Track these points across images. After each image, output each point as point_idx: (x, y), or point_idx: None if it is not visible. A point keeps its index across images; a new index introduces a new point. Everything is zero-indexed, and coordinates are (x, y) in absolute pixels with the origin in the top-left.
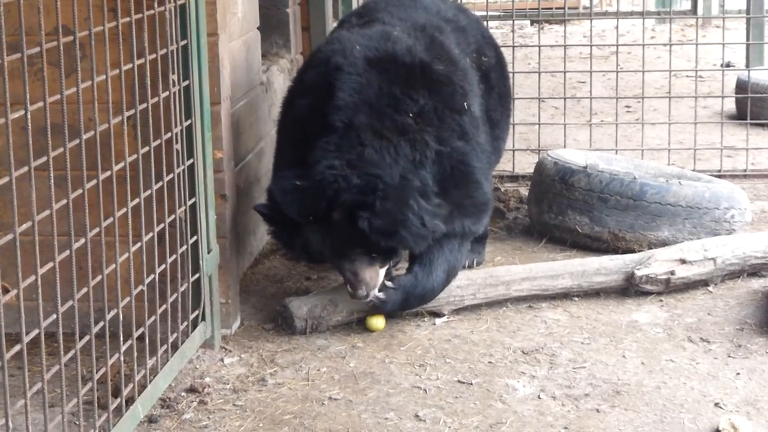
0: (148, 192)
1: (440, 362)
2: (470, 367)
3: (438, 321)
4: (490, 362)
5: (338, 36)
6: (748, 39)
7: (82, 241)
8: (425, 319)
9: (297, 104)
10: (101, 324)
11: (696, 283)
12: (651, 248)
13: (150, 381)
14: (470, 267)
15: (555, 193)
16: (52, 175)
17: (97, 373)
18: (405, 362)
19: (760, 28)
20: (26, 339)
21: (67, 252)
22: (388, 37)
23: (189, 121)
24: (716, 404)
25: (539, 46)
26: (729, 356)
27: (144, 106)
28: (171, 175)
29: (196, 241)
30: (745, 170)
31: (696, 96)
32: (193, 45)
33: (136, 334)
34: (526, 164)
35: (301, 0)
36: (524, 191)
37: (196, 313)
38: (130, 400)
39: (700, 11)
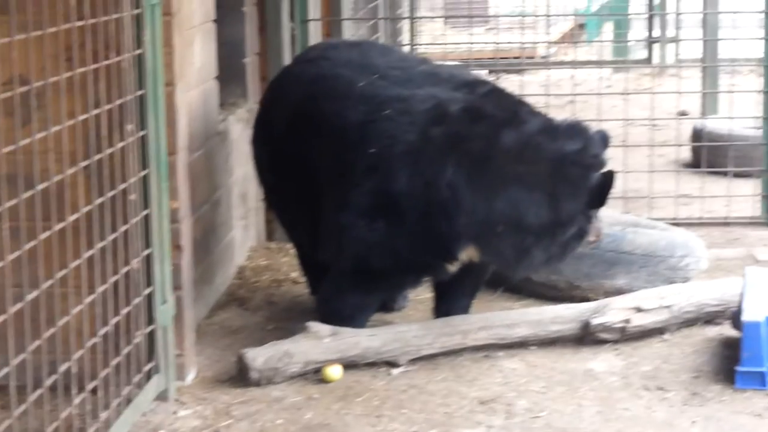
0: (103, 243)
1: (397, 413)
2: (427, 417)
3: (394, 371)
4: (446, 412)
5: (414, 94)
6: (703, 88)
7: (36, 293)
8: (381, 369)
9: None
10: (54, 377)
11: (652, 331)
12: (607, 296)
13: None
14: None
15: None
16: (6, 226)
17: (49, 426)
18: (361, 413)
19: (714, 76)
20: None
21: (21, 304)
22: (449, 76)
23: (145, 171)
24: None
25: None
26: (685, 404)
27: (100, 156)
28: (126, 226)
29: (151, 292)
30: (700, 218)
31: (652, 144)
32: (149, 95)
33: (89, 387)
34: None
35: (259, 50)
36: None
37: (151, 365)
38: None
39: (655, 60)
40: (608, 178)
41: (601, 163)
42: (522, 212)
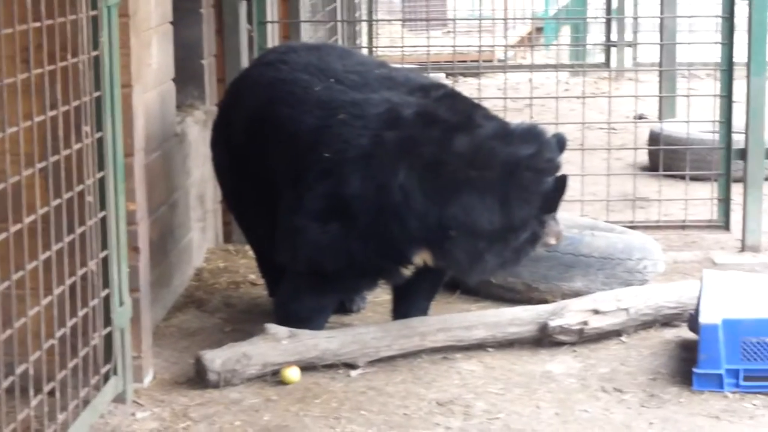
0: (60, 244)
1: (355, 414)
2: (385, 419)
3: (353, 373)
4: (405, 414)
5: (366, 99)
6: (660, 91)
7: None
8: (340, 371)
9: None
10: (11, 379)
11: (609, 333)
12: (564, 299)
13: None
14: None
15: None
16: None
17: (7, 428)
18: (320, 415)
19: (672, 80)
20: None
21: None
22: (405, 80)
23: (102, 173)
24: None
25: None
26: (643, 406)
27: (57, 157)
28: (83, 228)
29: (108, 294)
30: (657, 221)
31: (609, 148)
32: (106, 96)
33: (46, 389)
34: None
35: (216, 52)
36: None
37: (108, 367)
38: None
39: (613, 64)
40: (561, 183)
41: (555, 167)
42: (474, 217)
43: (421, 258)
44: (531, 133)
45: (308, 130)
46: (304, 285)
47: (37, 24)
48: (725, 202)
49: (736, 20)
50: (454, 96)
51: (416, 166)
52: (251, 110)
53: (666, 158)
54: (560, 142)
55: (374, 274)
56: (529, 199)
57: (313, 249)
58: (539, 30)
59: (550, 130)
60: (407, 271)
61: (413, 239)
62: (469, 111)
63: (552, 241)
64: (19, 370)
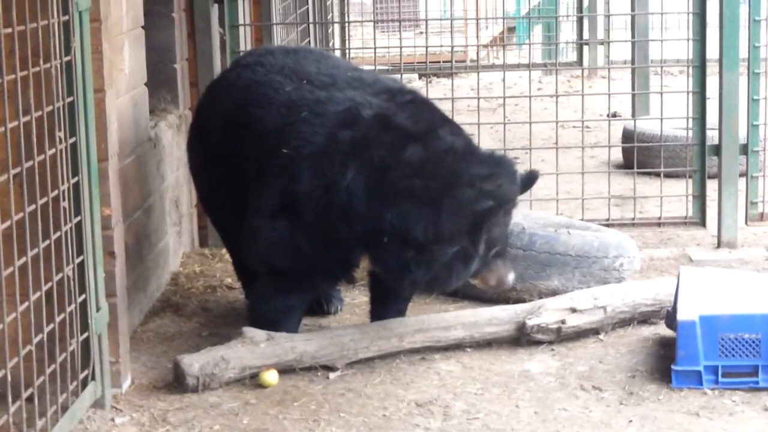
0: (36, 250)
1: (334, 416)
2: (364, 420)
3: (332, 375)
4: (384, 415)
5: (329, 96)
6: (633, 89)
7: None
8: (319, 373)
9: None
10: None
11: (587, 331)
12: (541, 298)
13: None
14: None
15: None
16: None
17: None
18: (299, 418)
19: (645, 78)
20: None
21: None
22: (372, 81)
23: (76, 179)
24: None
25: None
26: (621, 404)
27: (30, 163)
28: (58, 233)
29: (85, 300)
30: (633, 219)
31: (583, 146)
32: (79, 101)
33: (24, 395)
34: None
35: (189, 56)
36: None
37: (86, 372)
38: None
39: (585, 62)
40: (490, 209)
41: (505, 197)
42: (408, 226)
43: (364, 261)
44: (495, 160)
45: (273, 129)
46: (269, 287)
47: (9, 30)
48: (700, 198)
49: (707, 16)
50: (421, 104)
51: (365, 169)
52: (226, 112)
53: (640, 155)
54: (530, 178)
55: (327, 274)
56: (460, 214)
57: (264, 246)
58: (511, 30)
59: (524, 130)
60: (357, 274)
61: (356, 241)
62: (434, 123)
63: (491, 282)
64: None
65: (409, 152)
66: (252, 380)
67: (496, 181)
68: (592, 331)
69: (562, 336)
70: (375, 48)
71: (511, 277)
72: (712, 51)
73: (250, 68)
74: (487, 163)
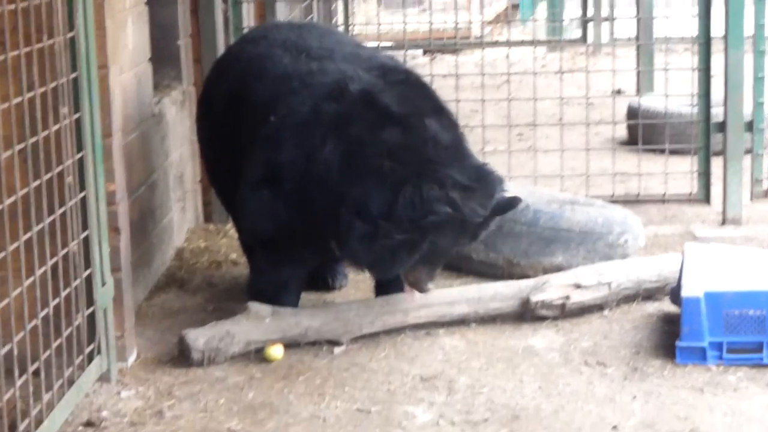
0: (41, 226)
1: (339, 391)
2: (369, 395)
3: (336, 350)
4: (388, 390)
5: (321, 67)
6: (638, 66)
7: None
8: (323, 348)
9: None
10: None
11: (591, 307)
12: (545, 274)
13: (46, 416)
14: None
15: None
16: None
17: None
18: (304, 392)
19: (649, 54)
20: None
21: None
22: (368, 57)
23: (81, 154)
24: (614, 427)
25: (431, 76)
26: (625, 379)
27: (35, 139)
28: (63, 209)
29: (90, 275)
30: (637, 195)
31: (588, 123)
32: (83, 77)
33: (31, 369)
34: None
35: (192, 32)
36: None
37: (92, 346)
38: None
39: (590, 39)
40: (442, 219)
41: (465, 213)
42: (366, 203)
43: None
44: (480, 172)
45: (266, 100)
46: (262, 261)
47: (12, 6)
48: (705, 175)
49: None
50: (414, 86)
51: (342, 143)
52: (228, 84)
53: (644, 132)
54: (509, 204)
55: (310, 246)
56: (417, 207)
57: (249, 216)
58: (515, 6)
59: (529, 106)
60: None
61: (331, 213)
62: (421, 108)
63: (409, 279)
64: (3, 350)
65: (387, 133)
66: (257, 355)
67: (468, 195)
68: (596, 307)
69: (566, 312)
70: (378, 24)
71: (429, 286)
72: (718, 28)
73: (254, 42)
74: (468, 172)
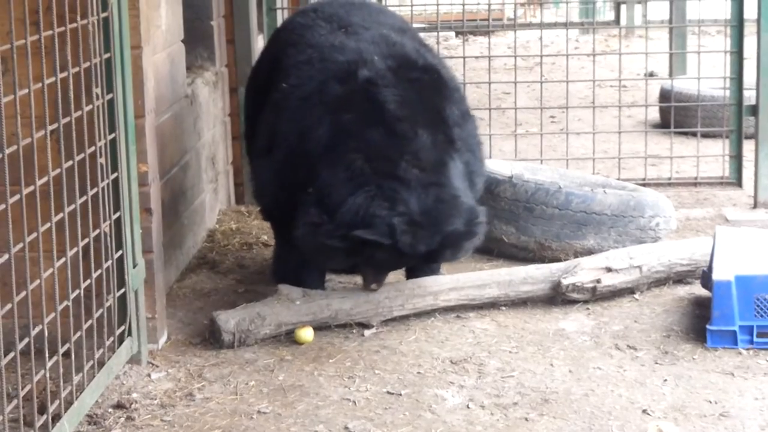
0: (72, 206)
1: (369, 374)
2: (399, 377)
3: (366, 332)
4: (419, 372)
5: (342, 43)
6: (671, 48)
7: (6, 256)
8: (354, 330)
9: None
10: (26, 340)
11: (622, 291)
12: (577, 257)
13: (76, 397)
14: None
15: (481, 203)
16: None
17: (22, 390)
18: (334, 374)
19: (682, 37)
20: None
21: None
22: (394, 43)
23: (113, 135)
24: (644, 411)
25: (464, 58)
26: (656, 363)
27: (67, 119)
28: (95, 190)
29: (122, 256)
30: (669, 178)
31: (620, 105)
32: (116, 58)
33: (61, 351)
34: None
35: (225, 12)
36: None
37: (123, 328)
38: (56, 417)
39: (623, 21)
40: (376, 239)
41: (409, 243)
42: (328, 191)
43: None
44: (445, 200)
45: (288, 65)
46: (278, 243)
47: None
48: (737, 158)
49: None
50: (426, 89)
51: (335, 126)
52: (272, 51)
53: (677, 115)
54: (461, 235)
55: None
56: (373, 212)
57: (253, 185)
58: None
59: (561, 89)
60: None
61: (304, 192)
62: (419, 118)
63: (360, 274)
64: (34, 331)
65: (372, 131)
66: (287, 337)
67: (410, 230)
68: (627, 291)
69: (597, 295)
70: (411, 6)
71: (373, 286)
72: (750, 11)
73: (305, 14)
74: (429, 203)
